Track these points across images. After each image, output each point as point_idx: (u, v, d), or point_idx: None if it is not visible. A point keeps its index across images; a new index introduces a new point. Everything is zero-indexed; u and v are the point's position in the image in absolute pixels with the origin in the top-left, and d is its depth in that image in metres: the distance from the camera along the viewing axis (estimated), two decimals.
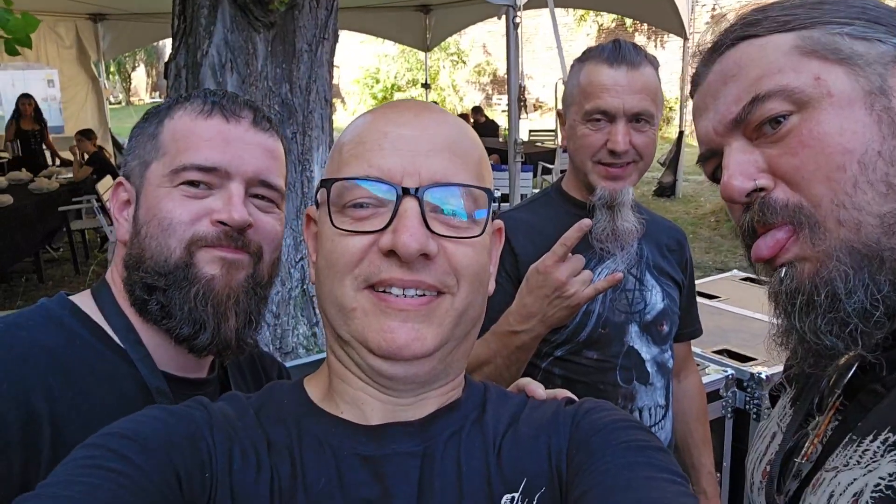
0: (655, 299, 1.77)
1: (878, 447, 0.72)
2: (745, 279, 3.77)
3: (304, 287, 3.65)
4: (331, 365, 0.88)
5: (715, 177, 0.91)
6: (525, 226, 1.73)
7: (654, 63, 1.67)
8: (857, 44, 0.78)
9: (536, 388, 0.98)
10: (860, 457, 0.74)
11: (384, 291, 0.78)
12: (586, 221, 1.37)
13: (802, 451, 0.86)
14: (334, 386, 0.86)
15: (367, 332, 0.79)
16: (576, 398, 0.93)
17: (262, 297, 1.12)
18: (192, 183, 1.05)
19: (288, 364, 3.25)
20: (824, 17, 0.80)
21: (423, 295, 0.79)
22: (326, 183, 0.82)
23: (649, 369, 1.74)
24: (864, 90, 0.76)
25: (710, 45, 0.89)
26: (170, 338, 1.07)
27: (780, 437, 0.95)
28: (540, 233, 1.67)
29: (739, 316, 3.12)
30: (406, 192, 0.77)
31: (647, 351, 1.74)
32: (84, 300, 1.10)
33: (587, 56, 1.68)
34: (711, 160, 0.90)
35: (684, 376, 2.03)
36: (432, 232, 0.77)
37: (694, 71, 0.91)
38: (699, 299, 3.16)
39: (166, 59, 3.50)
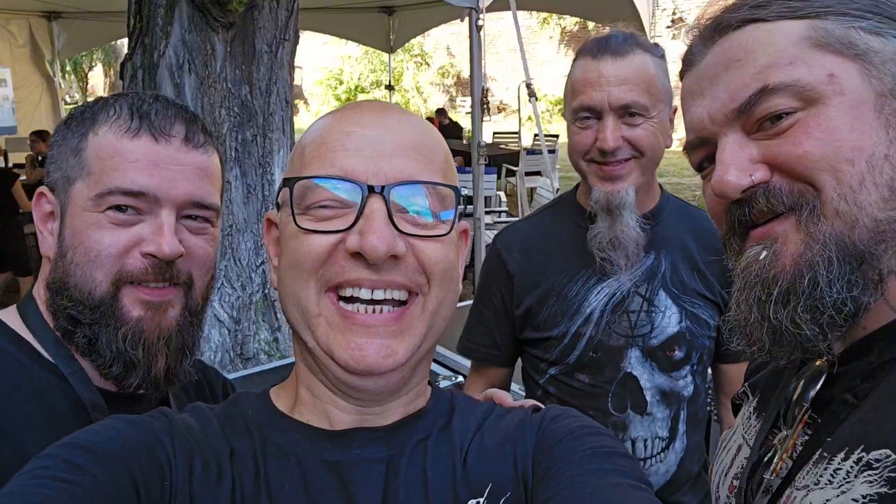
0: (667, 321, 1.58)
1: (852, 466, 0.71)
2: None
3: (266, 292, 3.60)
4: (298, 372, 0.86)
5: (701, 167, 0.87)
6: (521, 242, 1.66)
7: (650, 49, 1.52)
8: (872, 39, 0.74)
9: (505, 397, 0.98)
10: (832, 476, 0.73)
11: (351, 297, 0.77)
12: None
13: (771, 467, 0.84)
14: (300, 395, 0.85)
15: (332, 346, 0.77)
16: (542, 406, 0.92)
17: (196, 324, 1.09)
18: (119, 208, 1.00)
19: (249, 371, 3.20)
20: (838, 8, 0.76)
21: (392, 309, 0.78)
22: (288, 182, 0.80)
23: (648, 398, 1.59)
24: (875, 91, 0.73)
25: (709, 24, 0.83)
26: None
27: (745, 449, 0.94)
28: (539, 249, 1.61)
29: None
30: (372, 190, 0.76)
31: (648, 378, 1.59)
32: (10, 316, 1.06)
33: (579, 52, 1.58)
34: (700, 149, 0.85)
35: None
36: (399, 231, 0.76)
37: (686, 48, 0.85)
38: None
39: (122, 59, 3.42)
